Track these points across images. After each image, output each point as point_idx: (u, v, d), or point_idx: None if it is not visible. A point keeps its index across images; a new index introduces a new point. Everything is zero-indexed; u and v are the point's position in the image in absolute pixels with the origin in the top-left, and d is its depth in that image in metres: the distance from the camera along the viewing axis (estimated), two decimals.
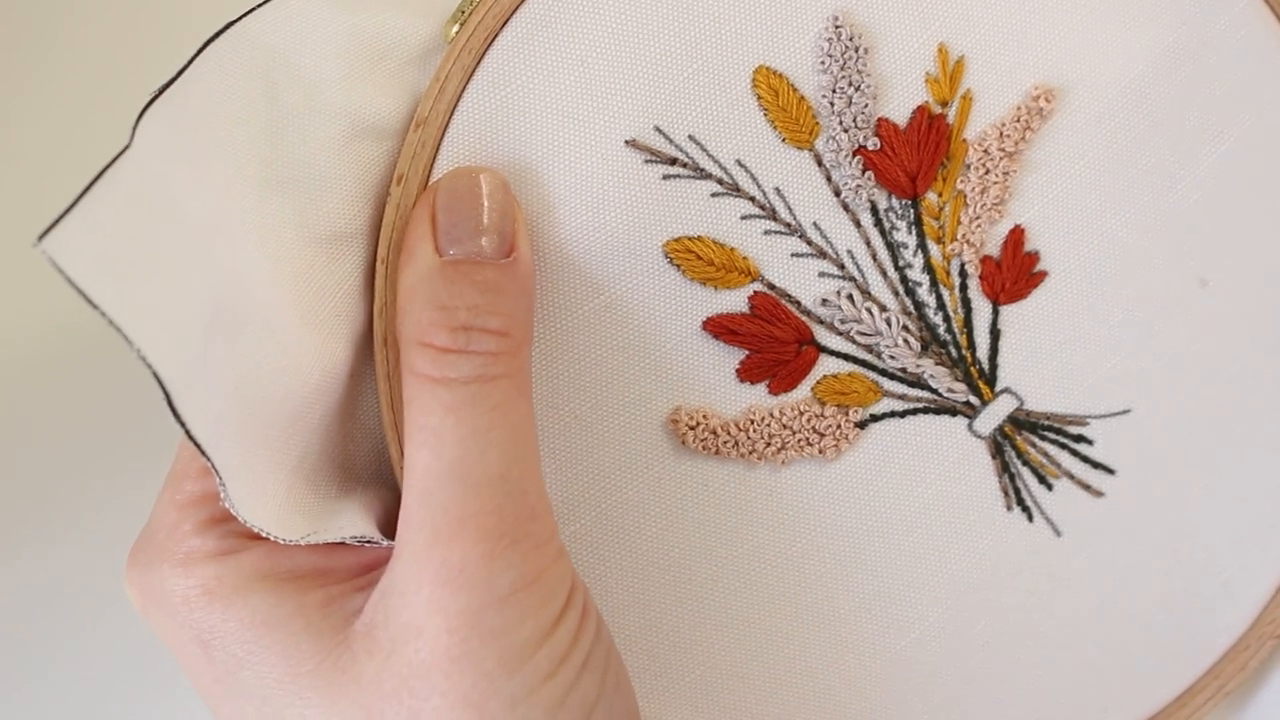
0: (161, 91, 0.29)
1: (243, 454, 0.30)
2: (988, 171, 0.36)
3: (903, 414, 0.36)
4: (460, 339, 0.30)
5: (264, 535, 0.30)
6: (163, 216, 0.28)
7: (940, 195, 0.36)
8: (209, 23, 0.31)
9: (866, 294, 0.35)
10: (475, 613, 0.28)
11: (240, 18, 0.31)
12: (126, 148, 0.27)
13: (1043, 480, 0.37)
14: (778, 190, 0.35)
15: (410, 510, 0.29)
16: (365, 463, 0.35)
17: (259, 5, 0.32)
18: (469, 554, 0.28)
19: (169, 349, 0.27)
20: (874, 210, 0.35)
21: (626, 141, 0.33)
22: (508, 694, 0.28)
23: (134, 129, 0.28)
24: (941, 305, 0.36)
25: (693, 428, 0.35)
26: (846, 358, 0.36)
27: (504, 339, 0.30)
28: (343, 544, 0.32)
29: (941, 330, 0.36)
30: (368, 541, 0.32)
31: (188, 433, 0.28)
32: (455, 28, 0.33)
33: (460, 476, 0.29)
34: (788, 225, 0.35)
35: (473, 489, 0.29)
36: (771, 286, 0.35)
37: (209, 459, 0.28)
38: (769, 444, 0.35)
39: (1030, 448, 0.37)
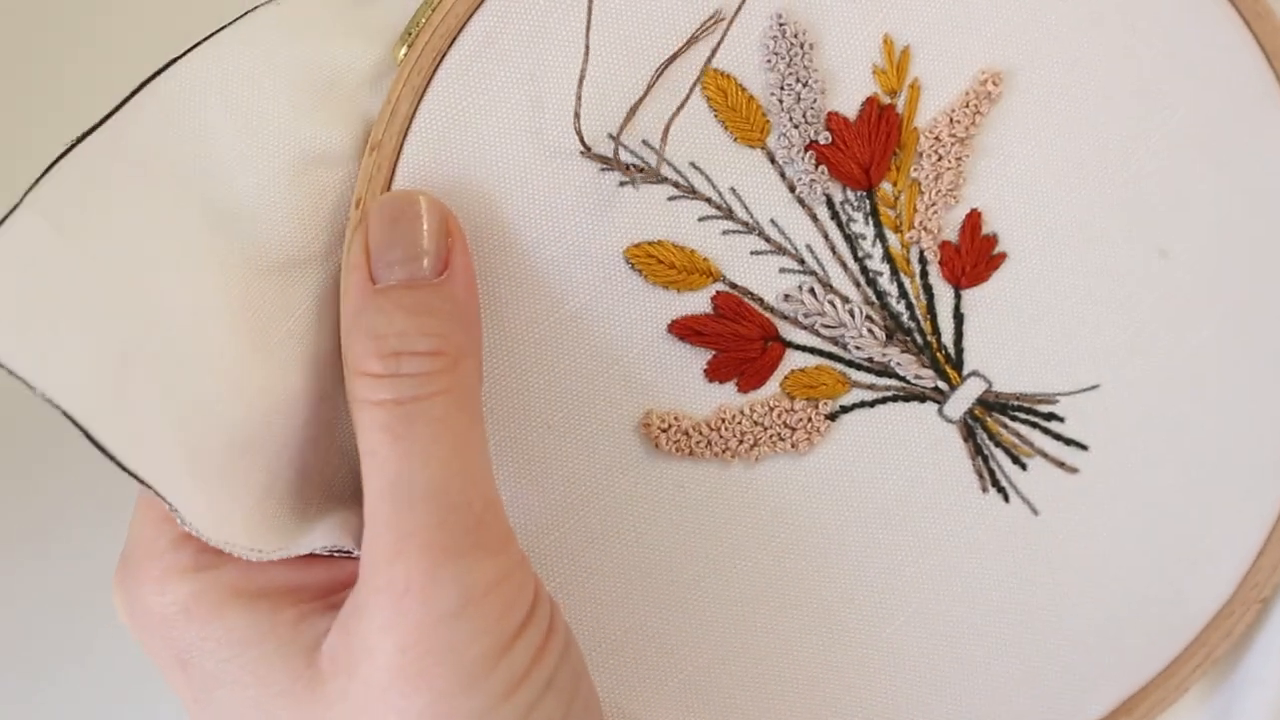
0: (81, 139, 0.30)
1: (198, 481, 0.30)
2: (940, 158, 0.36)
3: (872, 404, 0.36)
4: (391, 364, 0.30)
5: (232, 553, 0.30)
6: (70, 264, 0.29)
7: (895, 185, 0.36)
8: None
9: (828, 287, 0.36)
10: (426, 629, 0.28)
11: (183, 54, 0.32)
12: (18, 205, 0.28)
13: (1016, 460, 0.37)
14: (733, 190, 0.35)
15: (365, 533, 0.30)
16: (344, 482, 0.35)
17: (202, 41, 0.32)
18: (413, 570, 0.29)
19: (81, 389, 0.28)
20: (830, 204, 0.36)
21: (581, 151, 0.34)
22: (464, 713, 0.28)
23: (36, 181, 0.29)
24: (903, 293, 0.36)
25: (665, 430, 0.35)
26: (813, 351, 0.36)
27: (437, 358, 0.30)
28: (316, 561, 0.32)
29: (905, 318, 0.36)
30: (339, 551, 0.32)
31: (122, 465, 0.28)
32: (403, 49, 0.33)
33: (399, 494, 0.29)
34: (745, 224, 0.35)
35: (411, 505, 0.29)
36: (733, 285, 0.35)
37: (152, 488, 0.29)
38: (741, 441, 0.35)
39: (1002, 429, 0.37)
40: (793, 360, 0.36)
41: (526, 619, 0.30)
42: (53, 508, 0.48)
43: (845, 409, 0.36)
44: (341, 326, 0.32)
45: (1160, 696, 0.39)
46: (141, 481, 0.29)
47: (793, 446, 0.36)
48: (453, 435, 0.30)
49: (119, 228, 0.31)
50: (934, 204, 0.36)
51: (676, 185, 0.34)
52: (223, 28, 0.33)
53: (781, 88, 0.35)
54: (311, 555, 0.32)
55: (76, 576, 0.46)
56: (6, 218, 0.29)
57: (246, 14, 0.33)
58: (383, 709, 0.29)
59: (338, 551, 0.32)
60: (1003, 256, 0.37)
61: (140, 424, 0.30)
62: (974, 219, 0.36)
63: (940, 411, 0.37)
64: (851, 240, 0.36)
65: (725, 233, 0.35)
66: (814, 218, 0.35)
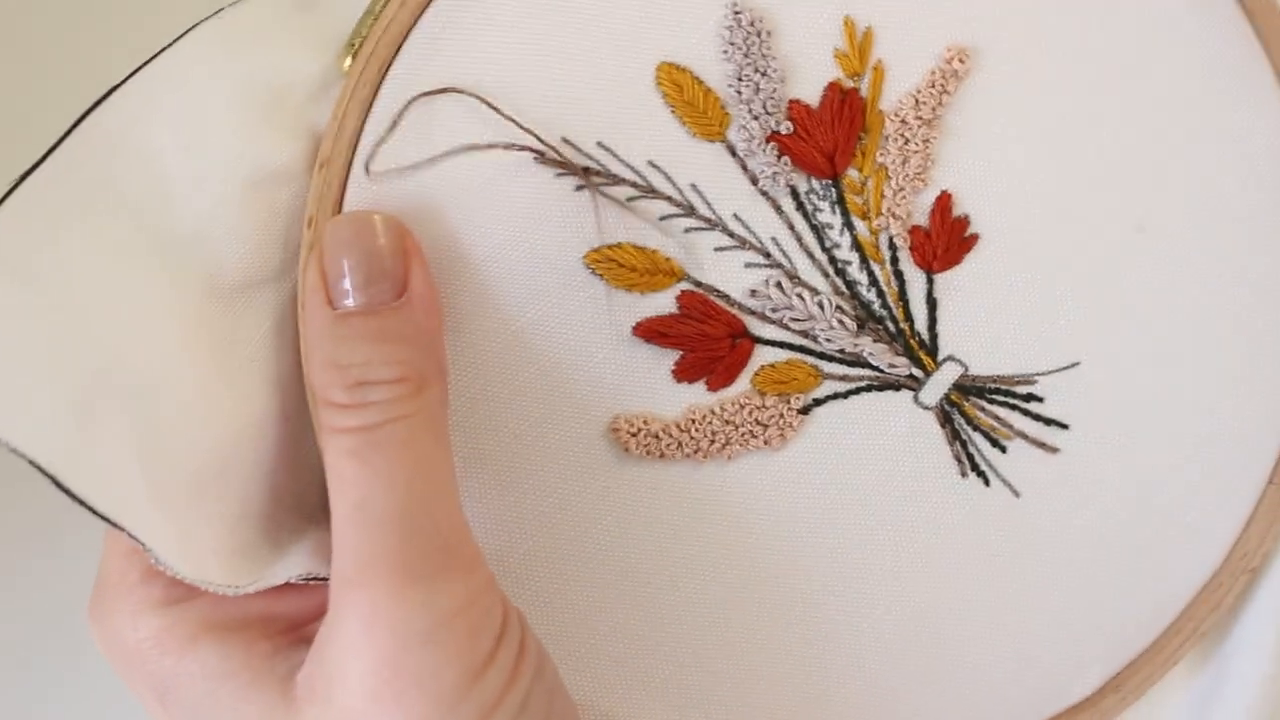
0: (24, 178, 0.29)
1: (169, 516, 0.30)
2: (907, 141, 0.35)
3: (845, 395, 0.36)
4: (356, 394, 0.30)
5: (208, 589, 0.31)
6: (24, 309, 0.29)
7: (861, 171, 0.35)
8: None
9: (795, 279, 0.35)
10: (396, 654, 0.28)
11: (124, 80, 0.32)
12: None
13: (995, 443, 0.37)
14: (694, 186, 0.34)
15: (334, 558, 0.30)
16: (316, 500, 0.35)
17: (141, 67, 0.31)
18: (379, 593, 0.29)
19: (46, 437, 0.28)
20: (794, 194, 0.35)
21: (535, 157, 0.33)
22: None
23: None
24: (874, 281, 0.36)
25: (634, 434, 0.35)
26: (783, 345, 0.35)
27: (401, 384, 0.30)
28: (290, 590, 0.32)
29: (876, 306, 0.36)
30: (314, 578, 0.32)
31: (92, 509, 0.28)
32: (349, 60, 0.33)
33: (364, 517, 0.29)
34: (707, 220, 0.34)
35: (376, 528, 0.29)
36: (698, 284, 0.35)
37: (122, 528, 0.29)
38: (713, 441, 0.35)
39: (980, 412, 0.37)
40: (762, 356, 0.35)
41: (497, 643, 0.30)
42: (53, 509, 0.49)
43: (818, 402, 0.36)
44: (302, 352, 0.32)
45: (1149, 671, 0.39)
46: (115, 525, 0.29)
47: (765, 443, 0.35)
48: (417, 458, 0.30)
49: (71, 265, 0.31)
50: (902, 189, 0.35)
51: (635, 185, 0.34)
52: (164, 49, 0.32)
53: (740, 78, 0.34)
54: (286, 585, 0.32)
55: (77, 578, 0.46)
56: None
57: (187, 32, 0.33)
58: None
59: (313, 579, 0.32)
60: (975, 238, 0.36)
61: (107, 464, 0.30)
62: (944, 202, 0.36)
63: (916, 399, 0.36)
64: (818, 230, 0.35)
65: (687, 230, 0.34)
66: (779, 210, 0.35)
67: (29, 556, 0.49)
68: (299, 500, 0.35)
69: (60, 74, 0.47)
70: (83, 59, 0.47)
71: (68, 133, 0.32)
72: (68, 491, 0.29)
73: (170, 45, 0.32)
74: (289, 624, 0.32)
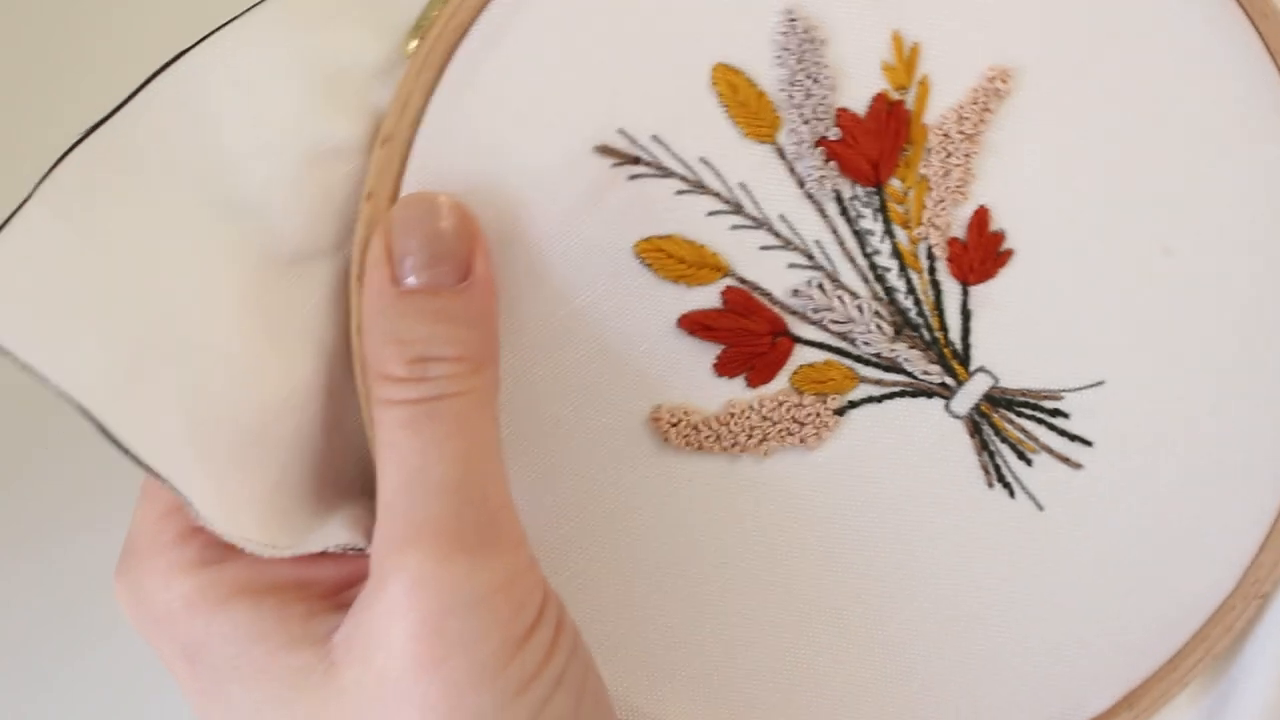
0: (90, 133, 0.30)
1: (211, 473, 0.30)
2: (949, 155, 0.36)
3: (880, 399, 0.37)
4: (417, 369, 0.30)
5: (245, 549, 0.30)
6: (80, 257, 0.29)
7: (904, 181, 0.36)
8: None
9: (836, 282, 0.36)
10: (439, 619, 0.28)
11: (190, 48, 0.32)
12: (28, 199, 0.29)
13: (1022, 456, 0.38)
14: (743, 185, 0.35)
15: (378, 525, 0.30)
16: (353, 476, 0.35)
17: (209, 35, 0.32)
18: (426, 559, 0.29)
19: (94, 382, 0.28)
20: (839, 199, 0.36)
21: (595, 147, 0.34)
22: (476, 708, 0.28)
23: (45, 175, 0.30)
24: (911, 289, 0.36)
25: (674, 424, 0.35)
26: (821, 346, 0.36)
27: (460, 363, 0.30)
28: (326, 559, 0.32)
29: (913, 314, 0.36)
30: (351, 549, 0.32)
31: (136, 459, 0.28)
32: (414, 43, 0.33)
33: (416, 485, 0.29)
34: (754, 219, 0.35)
35: (427, 496, 0.29)
36: (742, 280, 0.35)
37: (167, 481, 0.29)
38: (750, 436, 0.36)
39: (1008, 424, 0.37)
40: (801, 355, 0.36)
41: (537, 618, 0.30)
42: (53, 508, 0.48)
43: (853, 404, 0.36)
44: (361, 325, 0.32)
45: (1162, 690, 0.39)
46: (156, 475, 0.29)
47: (801, 441, 0.36)
48: (472, 433, 0.30)
49: (129, 221, 0.31)
50: (942, 200, 0.36)
51: (685, 180, 0.34)
52: (230, 21, 0.33)
53: (792, 83, 0.35)
54: (322, 553, 0.32)
55: (77, 577, 0.46)
56: (16, 212, 0.30)
57: (253, 7, 0.33)
58: (397, 698, 0.29)
59: (350, 549, 0.32)
60: (1010, 253, 0.37)
61: (153, 416, 0.30)
62: (981, 215, 0.36)
63: (947, 407, 0.37)
64: (860, 236, 0.36)
65: (734, 228, 0.35)
66: (823, 213, 0.36)
67: (28, 556, 0.48)
68: (338, 474, 0.35)
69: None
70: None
71: (133, 94, 0.32)
72: (113, 439, 0.29)
73: (236, 18, 0.33)
74: (325, 589, 0.32)
